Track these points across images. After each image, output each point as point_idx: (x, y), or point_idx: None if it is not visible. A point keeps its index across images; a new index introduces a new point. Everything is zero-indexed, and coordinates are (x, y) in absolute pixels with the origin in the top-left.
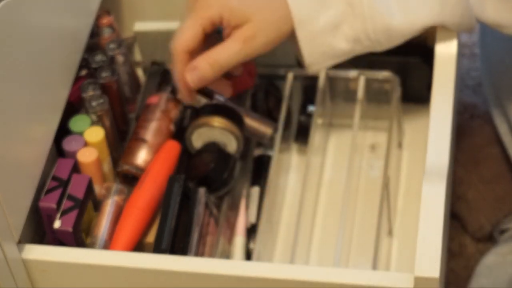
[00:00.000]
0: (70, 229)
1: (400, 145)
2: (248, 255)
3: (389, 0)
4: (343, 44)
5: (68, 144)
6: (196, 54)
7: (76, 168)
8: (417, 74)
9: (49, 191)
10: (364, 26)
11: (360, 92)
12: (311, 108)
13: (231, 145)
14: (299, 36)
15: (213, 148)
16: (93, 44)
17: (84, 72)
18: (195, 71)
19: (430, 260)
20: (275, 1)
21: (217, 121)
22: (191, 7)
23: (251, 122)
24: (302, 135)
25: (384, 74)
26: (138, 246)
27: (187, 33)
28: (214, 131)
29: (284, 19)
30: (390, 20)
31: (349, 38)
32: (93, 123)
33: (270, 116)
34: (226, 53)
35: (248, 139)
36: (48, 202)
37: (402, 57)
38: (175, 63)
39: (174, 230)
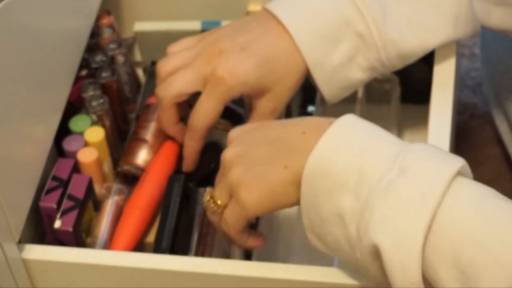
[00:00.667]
0: (70, 229)
1: None
2: (248, 255)
3: (400, 25)
4: (359, 74)
5: (68, 144)
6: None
7: (76, 168)
8: (417, 74)
9: (49, 191)
10: (377, 56)
11: (360, 92)
12: (311, 108)
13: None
14: (316, 79)
15: (213, 148)
16: (93, 44)
17: (84, 72)
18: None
19: None
20: (288, 57)
21: (217, 122)
22: (206, 79)
23: None
24: None
25: (384, 74)
26: (138, 246)
27: (210, 115)
28: (214, 132)
29: (300, 67)
30: (403, 47)
31: (365, 68)
32: (93, 123)
33: None
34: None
35: None
36: (48, 202)
37: None
38: (191, 139)
39: (174, 230)
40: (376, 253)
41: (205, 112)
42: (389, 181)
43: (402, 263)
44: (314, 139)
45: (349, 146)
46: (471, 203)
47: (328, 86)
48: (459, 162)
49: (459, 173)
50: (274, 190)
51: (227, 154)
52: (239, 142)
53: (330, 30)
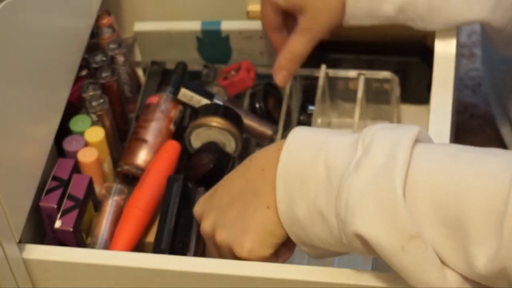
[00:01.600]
0: (70, 229)
1: None
2: None
3: None
4: (389, 8)
5: (69, 144)
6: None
7: (76, 168)
8: (417, 74)
9: (50, 191)
10: None
11: (360, 92)
12: (311, 108)
13: (230, 145)
14: None
15: (212, 148)
16: (93, 44)
17: (84, 72)
18: (281, 71)
19: None
20: None
21: (216, 121)
22: None
23: (250, 123)
24: None
25: (384, 74)
26: (138, 246)
27: (263, 15)
28: (213, 131)
29: None
30: (438, 5)
31: (396, 4)
32: (93, 123)
33: (269, 116)
34: (299, 44)
35: (248, 139)
36: (49, 202)
37: (402, 57)
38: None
39: (174, 230)
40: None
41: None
42: (357, 162)
43: (390, 224)
44: (274, 169)
45: (309, 146)
46: (438, 158)
47: (355, 3)
48: (416, 128)
49: (418, 140)
50: (265, 232)
51: (205, 228)
52: (208, 211)
53: None
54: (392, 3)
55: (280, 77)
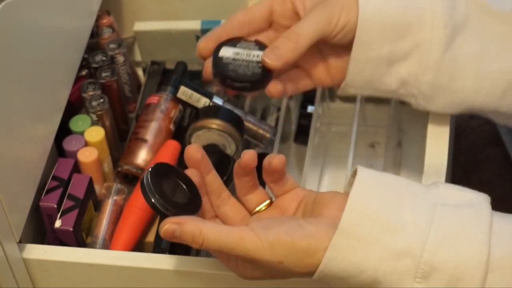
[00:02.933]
0: (70, 229)
1: (399, 144)
2: None
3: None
4: (392, 81)
5: (69, 144)
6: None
7: (76, 167)
8: None
9: (50, 190)
10: (420, 69)
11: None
12: (311, 108)
13: (230, 147)
14: (353, 54)
15: (213, 149)
16: (93, 44)
17: (84, 72)
18: (276, 50)
19: None
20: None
21: (216, 124)
22: None
23: (250, 126)
24: (301, 135)
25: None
26: (138, 246)
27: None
28: (213, 134)
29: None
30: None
31: (400, 78)
32: (93, 123)
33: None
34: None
35: (247, 141)
36: (49, 202)
37: None
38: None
39: None
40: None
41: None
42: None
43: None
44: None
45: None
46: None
47: (358, 71)
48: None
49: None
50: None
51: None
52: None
53: (397, 20)
54: (396, 77)
55: (272, 56)
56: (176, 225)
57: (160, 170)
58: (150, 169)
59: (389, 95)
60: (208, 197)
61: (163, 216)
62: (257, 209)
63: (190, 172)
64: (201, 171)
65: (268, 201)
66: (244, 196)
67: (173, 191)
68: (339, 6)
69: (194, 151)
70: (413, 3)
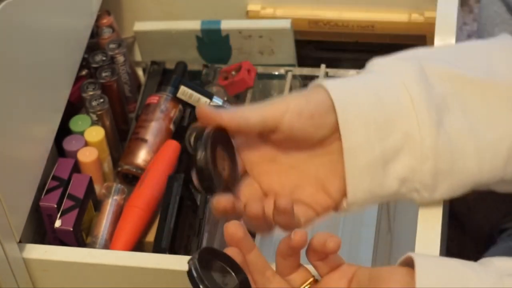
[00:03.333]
0: (70, 229)
1: None
2: None
3: (457, 137)
4: (392, 182)
5: (69, 144)
6: None
7: (76, 167)
8: None
9: (50, 190)
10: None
11: None
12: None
13: None
14: (347, 166)
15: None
16: (93, 44)
17: (84, 72)
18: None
19: None
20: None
21: None
22: None
23: None
24: None
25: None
26: (138, 246)
27: None
28: None
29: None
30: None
31: (399, 176)
32: (93, 123)
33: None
34: None
35: None
36: (49, 202)
37: None
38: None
39: (174, 229)
40: None
41: None
42: None
43: None
44: None
45: None
46: None
47: (356, 185)
48: None
49: None
50: None
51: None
52: None
53: (379, 118)
54: (395, 176)
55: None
56: None
57: (205, 257)
58: (196, 258)
59: (391, 198)
60: (251, 276)
61: None
62: None
63: (231, 252)
64: (242, 250)
65: (311, 279)
66: (287, 276)
67: (222, 278)
68: (292, 93)
69: (235, 229)
70: (385, 91)
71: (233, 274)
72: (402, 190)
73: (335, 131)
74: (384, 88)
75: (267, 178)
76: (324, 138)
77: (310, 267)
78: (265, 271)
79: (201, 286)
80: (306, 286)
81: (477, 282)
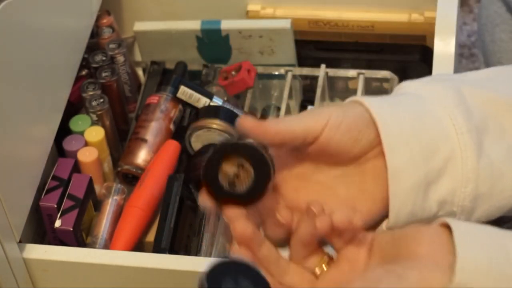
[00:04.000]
0: (70, 229)
1: None
2: None
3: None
4: (432, 204)
5: (69, 144)
6: None
7: (76, 167)
8: (416, 73)
9: (50, 190)
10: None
11: (359, 91)
12: (310, 108)
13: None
14: (391, 188)
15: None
16: (93, 44)
17: (84, 72)
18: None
19: None
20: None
21: (216, 124)
22: None
23: None
24: None
25: (383, 73)
26: (138, 246)
27: None
28: (213, 133)
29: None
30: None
31: (440, 199)
32: (93, 122)
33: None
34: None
35: None
36: (49, 202)
37: (401, 57)
38: None
39: (174, 229)
40: None
41: None
42: None
43: None
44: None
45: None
46: None
47: (398, 202)
48: None
49: None
50: None
51: None
52: None
53: (421, 138)
54: (435, 199)
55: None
56: None
57: (216, 274)
58: (206, 276)
59: (429, 221)
60: (266, 269)
61: None
62: (319, 269)
63: (237, 253)
64: (253, 247)
65: (325, 256)
66: (302, 261)
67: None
68: (330, 105)
69: (244, 227)
70: (425, 113)
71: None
72: (439, 213)
73: (373, 147)
74: (423, 109)
75: (295, 195)
76: (360, 154)
77: None
78: (279, 261)
79: None
80: (323, 264)
81: None
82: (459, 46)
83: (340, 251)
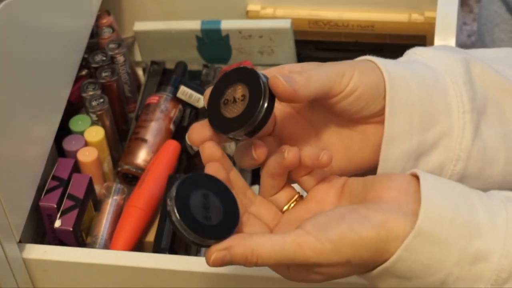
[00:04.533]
0: (70, 229)
1: None
2: None
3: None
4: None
5: (69, 144)
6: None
7: (76, 167)
8: None
9: (50, 190)
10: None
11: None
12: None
13: (230, 147)
14: (382, 153)
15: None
16: (93, 44)
17: (84, 72)
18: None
19: None
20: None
21: None
22: None
23: None
24: None
25: None
26: (138, 246)
27: None
28: None
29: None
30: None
31: (428, 171)
32: (93, 122)
33: None
34: None
35: None
36: (49, 202)
37: (401, 57)
38: None
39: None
40: None
41: None
42: None
43: None
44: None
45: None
46: None
47: (387, 167)
48: None
49: None
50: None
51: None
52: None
53: (424, 110)
54: (423, 170)
55: (283, 81)
56: (224, 252)
57: (182, 191)
58: (174, 197)
59: None
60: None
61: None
62: (287, 207)
63: (212, 168)
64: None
65: (296, 196)
66: (270, 197)
67: (204, 210)
68: (351, 65)
69: (213, 149)
70: (436, 85)
71: (218, 200)
72: None
73: (379, 115)
74: (433, 80)
75: (296, 138)
76: (364, 119)
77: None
78: (246, 191)
79: (184, 233)
80: (291, 203)
81: (482, 209)
82: (459, 46)
83: (310, 191)
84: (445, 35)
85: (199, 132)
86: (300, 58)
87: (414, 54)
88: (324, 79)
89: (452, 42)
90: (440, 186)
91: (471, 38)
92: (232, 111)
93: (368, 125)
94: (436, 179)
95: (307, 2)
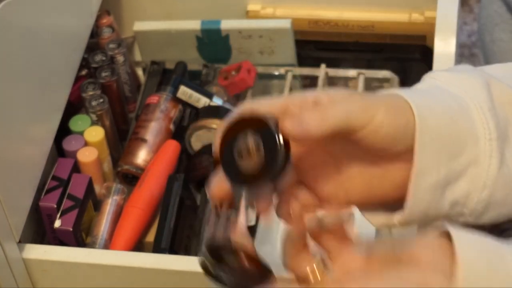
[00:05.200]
0: (70, 229)
1: None
2: None
3: None
4: (445, 204)
5: (68, 144)
6: None
7: (76, 167)
8: (416, 73)
9: (49, 190)
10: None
11: (360, 91)
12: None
13: None
14: (412, 186)
15: (212, 149)
16: (93, 44)
17: (84, 72)
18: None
19: None
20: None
21: (216, 124)
22: None
23: None
24: None
25: (383, 73)
26: (138, 246)
27: None
28: (213, 134)
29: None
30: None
31: (452, 199)
32: (93, 122)
33: None
34: None
35: None
36: (48, 202)
37: (402, 57)
38: None
39: (174, 229)
40: None
41: None
42: None
43: None
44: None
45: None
46: None
47: (416, 199)
48: None
49: None
50: None
51: None
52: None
53: (451, 139)
54: (449, 199)
55: (294, 124)
56: None
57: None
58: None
59: (439, 219)
60: None
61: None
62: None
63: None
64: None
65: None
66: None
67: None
68: (378, 99)
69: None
70: (461, 113)
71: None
72: (450, 213)
73: (406, 153)
74: (458, 109)
75: (324, 184)
76: (391, 157)
77: None
78: None
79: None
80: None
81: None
82: (459, 46)
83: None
84: (445, 35)
85: (221, 189)
86: (300, 58)
87: (434, 79)
88: (342, 115)
89: (452, 42)
90: (471, 242)
91: (471, 38)
92: (249, 165)
93: (392, 162)
94: (466, 234)
95: (307, 2)
